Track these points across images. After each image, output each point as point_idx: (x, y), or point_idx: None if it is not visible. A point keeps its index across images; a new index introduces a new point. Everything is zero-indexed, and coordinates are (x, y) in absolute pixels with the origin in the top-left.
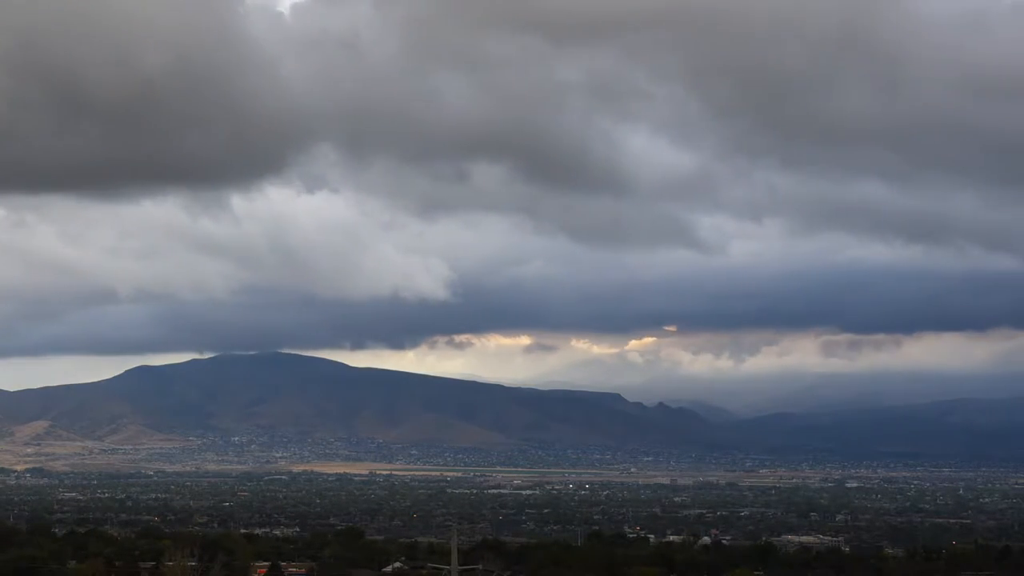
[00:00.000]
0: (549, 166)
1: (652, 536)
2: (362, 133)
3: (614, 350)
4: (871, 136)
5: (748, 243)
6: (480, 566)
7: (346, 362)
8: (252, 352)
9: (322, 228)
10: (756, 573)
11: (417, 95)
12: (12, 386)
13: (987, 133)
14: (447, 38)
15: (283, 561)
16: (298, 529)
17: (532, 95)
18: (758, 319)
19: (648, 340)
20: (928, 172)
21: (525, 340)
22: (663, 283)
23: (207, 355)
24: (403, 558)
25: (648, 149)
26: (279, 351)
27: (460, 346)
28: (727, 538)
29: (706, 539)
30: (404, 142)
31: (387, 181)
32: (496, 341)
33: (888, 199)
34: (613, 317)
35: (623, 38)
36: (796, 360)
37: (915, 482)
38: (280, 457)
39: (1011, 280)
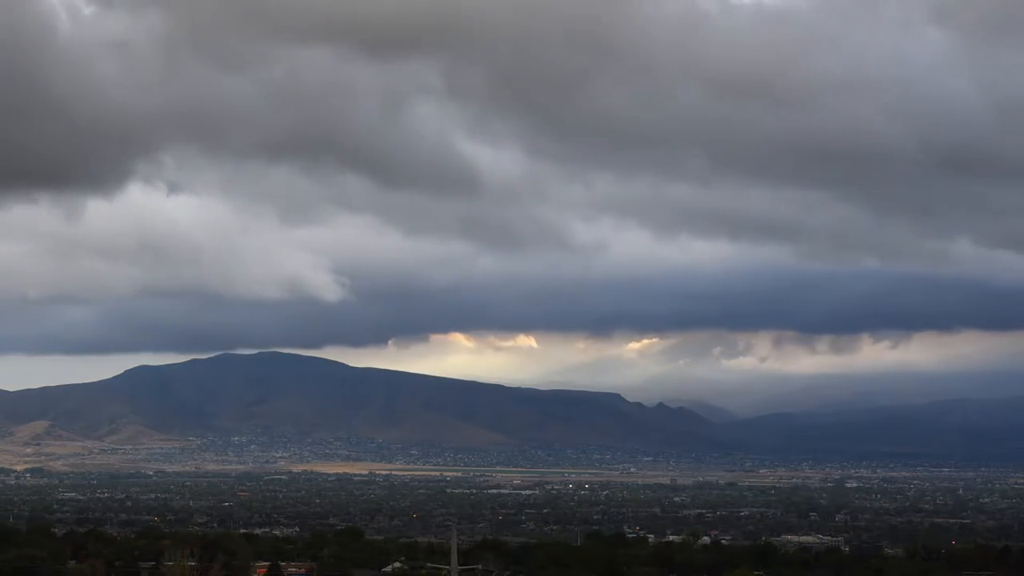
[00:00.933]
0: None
1: (652, 536)
2: (209, 134)
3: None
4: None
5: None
6: (480, 566)
7: (346, 362)
8: (252, 352)
9: (198, 228)
10: (756, 573)
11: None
12: (12, 386)
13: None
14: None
15: (283, 561)
16: (298, 529)
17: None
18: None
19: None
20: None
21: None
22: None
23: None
24: (403, 558)
25: (478, 153)
26: (279, 351)
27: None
28: (727, 538)
29: (706, 539)
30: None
31: (249, 182)
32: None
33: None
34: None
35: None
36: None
37: (915, 482)
38: (280, 457)
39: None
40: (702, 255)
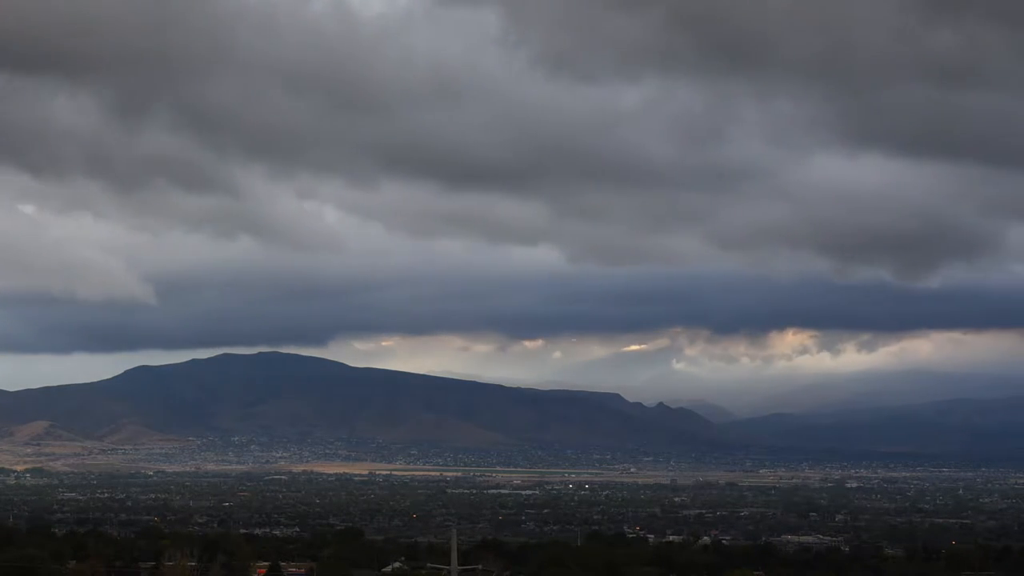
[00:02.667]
0: None
1: (652, 536)
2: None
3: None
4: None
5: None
6: (480, 566)
7: (346, 362)
8: (252, 352)
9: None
10: (756, 573)
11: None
12: (12, 386)
13: None
14: None
15: (283, 561)
16: (298, 529)
17: None
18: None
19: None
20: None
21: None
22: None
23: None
24: (403, 558)
25: None
26: (279, 351)
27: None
28: (727, 538)
29: (706, 539)
30: None
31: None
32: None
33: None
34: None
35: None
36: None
37: (915, 482)
38: (280, 457)
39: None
40: None
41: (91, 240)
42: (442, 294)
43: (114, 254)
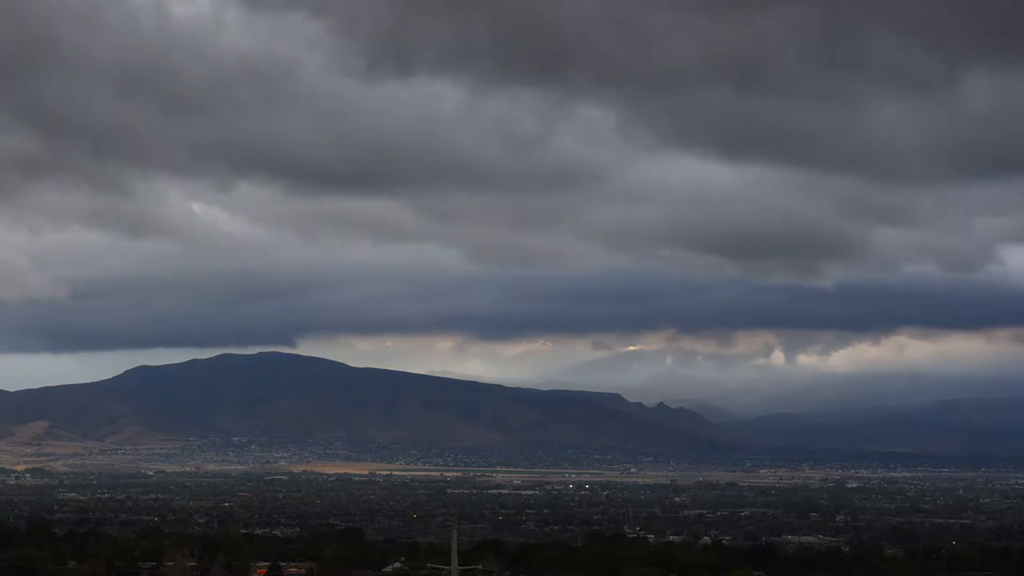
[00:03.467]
0: None
1: (652, 536)
2: None
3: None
4: None
5: None
6: (480, 566)
7: (346, 362)
8: (252, 352)
9: None
10: (756, 573)
11: None
12: (12, 386)
13: None
14: None
15: (283, 561)
16: (298, 529)
17: None
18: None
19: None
20: None
21: None
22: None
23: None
24: (403, 558)
25: None
26: (279, 351)
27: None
28: (727, 538)
29: (706, 539)
30: None
31: None
32: None
33: None
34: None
35: None
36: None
37: (915, 482)
38: (280, 457)
39: None
40: None
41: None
42: (396, 294)
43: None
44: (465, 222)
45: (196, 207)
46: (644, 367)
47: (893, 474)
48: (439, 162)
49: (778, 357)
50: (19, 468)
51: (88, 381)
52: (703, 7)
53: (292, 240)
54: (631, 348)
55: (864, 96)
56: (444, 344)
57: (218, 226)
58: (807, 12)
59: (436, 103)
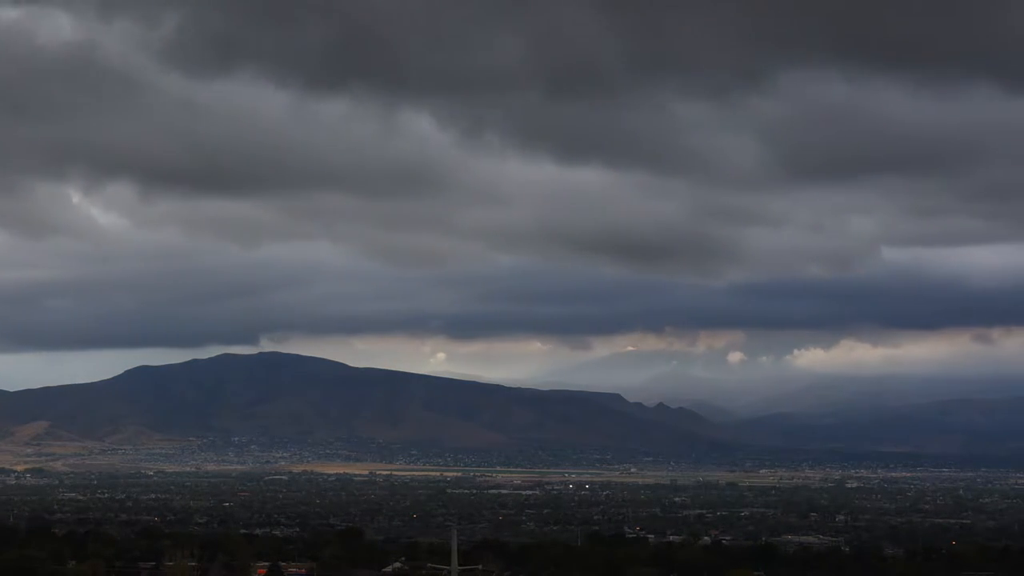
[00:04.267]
0: None
1: (652, 536)
2: None
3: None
4: None
5: None
6: (480, 566)
7: (346, 362)
8: (252, 352)
9: None
10: (756, 573)
11: None
12: (12, 386)
13: None
14: None
15: (283, 561)
16: (298, 529)
17: None
18: None
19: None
20: None
21: None
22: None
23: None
24: (403, 558)
25: None
26: (279, 351)
27: None
28: (727, 538)
29: (706, 539)
30: None
31: None
32: None
33: None
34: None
35: None
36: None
37: (915, 482)
38: (280, 457)
39: None
40: None
41: None
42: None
43: None
44: (343, 222)
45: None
46: (644, 367)
47: (893, 474)
48: (287, 165)
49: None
50: (19, 468)
51: (88, 381)
52: (524, 12)
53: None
54: (630, 348)
55: (684, 98)
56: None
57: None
58: (628, 16)
59: (265, 106)
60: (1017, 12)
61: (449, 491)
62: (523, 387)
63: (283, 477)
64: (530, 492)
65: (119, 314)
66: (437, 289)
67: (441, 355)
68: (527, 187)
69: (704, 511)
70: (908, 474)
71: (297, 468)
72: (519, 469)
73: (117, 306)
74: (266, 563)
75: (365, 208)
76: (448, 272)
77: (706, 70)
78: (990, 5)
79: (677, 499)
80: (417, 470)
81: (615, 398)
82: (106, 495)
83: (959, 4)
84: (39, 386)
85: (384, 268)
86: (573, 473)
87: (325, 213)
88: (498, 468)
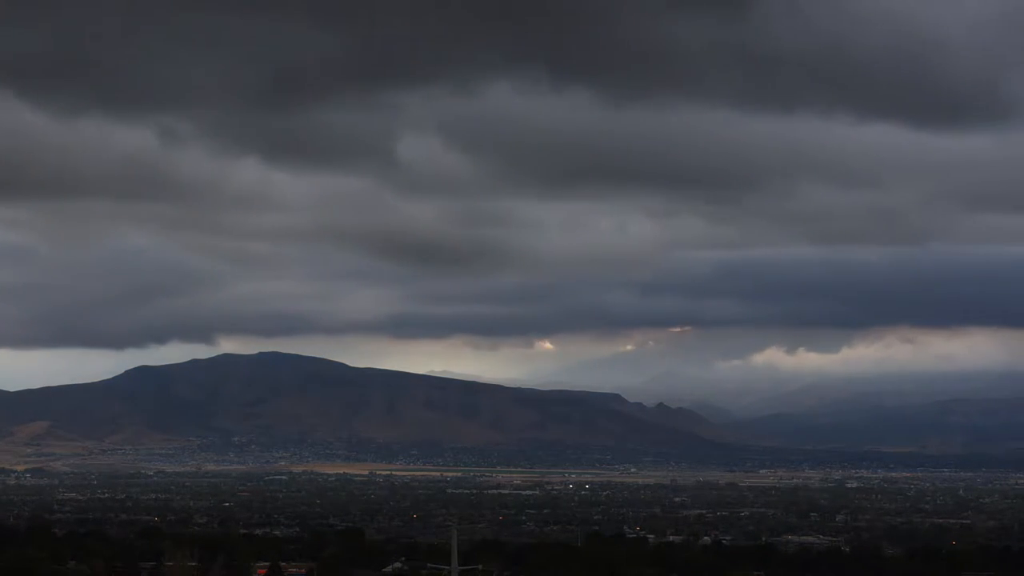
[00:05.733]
0: None
1: (652, 536)
2: None
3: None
4: None
5: None
6: (480, 566)
7: (346, 362)
8: (252, 352)
9: None
10: (756, 573)
11: None
12: (12, 386)
13: None
14: None
15: (283, 561)
16: (298, 529)
17: None
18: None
19: None
20: None
21: None
22: None
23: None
24: (403, 558)
25: None
26: (279, 351)
27: None
28: (727, 538)
29: (706, 539)
30: None
31: None
32: None
33: None
34: None
35: None
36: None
37: (915, 482)
38: (280, 457)
39: None
40: None
41: None
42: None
43: None
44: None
45: None
46: (645, 367)
47: (893, 474)
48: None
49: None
50: (19, 468)
51: (88, 381)
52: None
53: None
54: (629, 348)
55: (402, 102)
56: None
57: None
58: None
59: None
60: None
61: (449, 491)
62: (523, 387)
63: (283, 477)
64: (530, 492)
65: None
66: None
67: None
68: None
69: (704, 511)
70: (908, 474)
71: (297, 468)
72: (519, 469)
73: None
74: (266, 563)
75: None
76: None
77: (423, 77)
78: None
79: (677, 499)
80: (417, 470)
81: (615, 398)
82: (106, 495)
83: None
84: (39, 386)
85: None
86: (573, 473)
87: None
88: (498, 468)
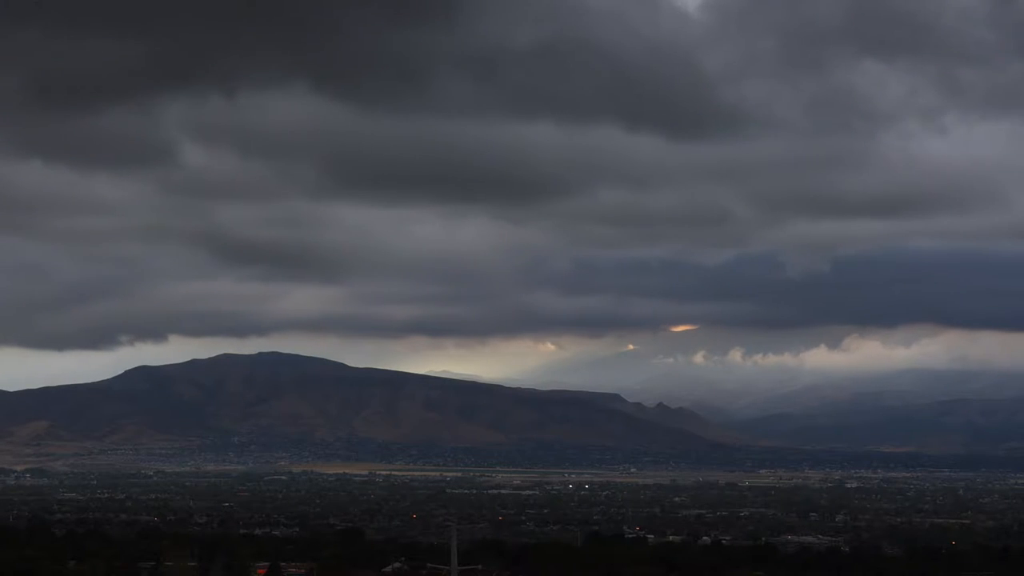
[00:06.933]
0: None
1: (652, 536)
2: None
3: None
4: None
5: None
6: (480, 566)
7: (346, 362)
8: (252, 352)
9: None
10: (756, 573)
11: None
12: (12, 386)
13: None
14: None
15: (283, 561)
16: (298, 529)
17: None
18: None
19: None
20: None
21: None
22: None
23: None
24: (403, 558)
25: None
26: (279, 351)
27: None
28: (727, 538)
29: (706, 539)
30: None
31: None
32: None
33: None
34: None
35: None
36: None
37: (915, 482)
38: (280, 457)
39: None
40: None
41: None
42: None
43: None
44: None
45: None
46: (645, 367)
47: (893, 474)
48: None
49: None
50: (19, 468)
51: (88, 381)
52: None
53: None
54: (630, 347)
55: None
56: None
57: None
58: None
59: None
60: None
61: (449, 491)
62: (523, 387)
63: (283, 477)
64: (530, 492)
65: None
66: None
67: None
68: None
69: (704, 511)
70: (908, 474)
71: (297, 468)
72: (519, 469)
73: None
74: (266, 563)
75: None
76: None
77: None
78: None
79: (677, 499)
80: (417, 470)
81: (615, 398)
82: (106, 495)
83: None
84: (39, 386)
85: None
86: (573, 473)
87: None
88: (498, 468)
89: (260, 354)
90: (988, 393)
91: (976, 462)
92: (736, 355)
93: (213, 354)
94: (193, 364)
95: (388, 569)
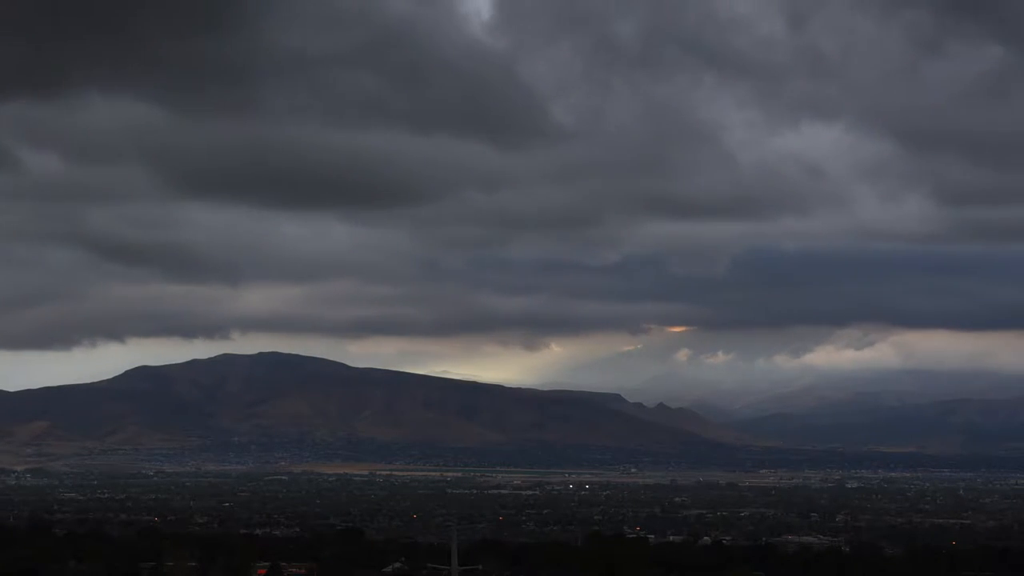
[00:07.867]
0: None
1: (652, 536)
2: None
3: None
4: None
5: None
6: (480, 566)
7: (346, 362)
8: (252, 352)
9: None
10: (756, 573)
11: None
12: (12, 386)
13: None
14: None
15: (283, 561)
16: (298, 529)
17: None
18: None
19: None
20: None
21: None
22: None
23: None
24: (403, 558)
25: None
26: (279, 351)
27: None
28: (727, 538)
29: (706, 539)
30: None
31: None
32: None
33: None
34: None
35: None
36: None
37: (915, 482)
38: (280, 457)
39: None
40: None
41: None
42: None
43: None
44: None
45: None
46: (645, 367)
47: (893, 474)
48: None
49: None
50: (19, 468)
51: (88, 381)
52: None
53: None
54: (628, 348)
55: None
56: None
57: None
58: None
59: None
60: None
61: (449, 491)
62: (523, 387)
63: (283, 477)
64: (530, 492)
65: None
66: None
67: None
68: None
69: (704, 511)
70: (908, 474)
71: (297, 468)
72: (519, 469)
73: None
74: (266, 563)
75: None
76: None
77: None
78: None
79: (677, 499)
80: (417, 470)
81: (615, 398)
82: (106, 495)
83: None
84: (39, 386)
85: None
86: (573, 473)
87: None
88: (498, 468)
89: (260, 354)
90: (988, 393)
91: (976, 462)
92: (721, 356)
93: (215, 354)
94: (193, 364)
95: (388, 569)
